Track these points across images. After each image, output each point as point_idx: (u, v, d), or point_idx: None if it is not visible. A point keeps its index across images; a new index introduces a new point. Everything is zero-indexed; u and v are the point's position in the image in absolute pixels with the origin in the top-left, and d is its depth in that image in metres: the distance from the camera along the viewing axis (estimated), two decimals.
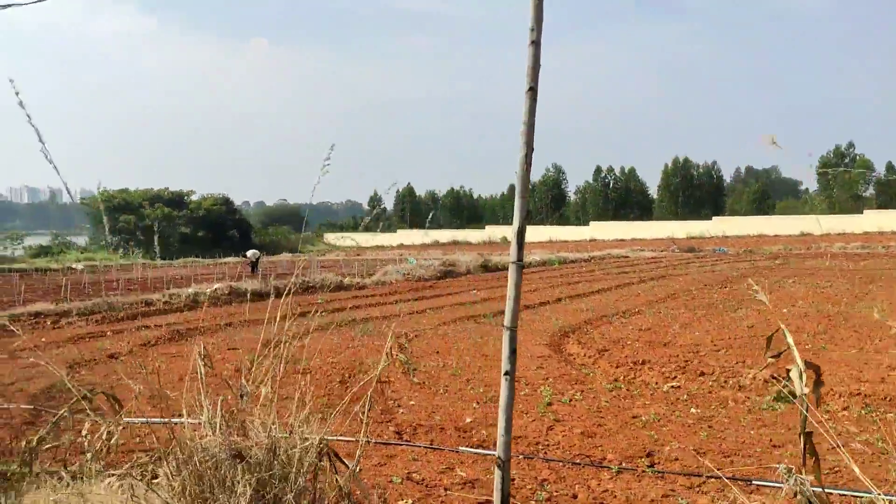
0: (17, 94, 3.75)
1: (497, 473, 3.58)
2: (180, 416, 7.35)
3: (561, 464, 5.59)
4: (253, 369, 4.88)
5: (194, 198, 75.41)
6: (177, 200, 73.36)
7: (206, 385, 4.60)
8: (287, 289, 15.86)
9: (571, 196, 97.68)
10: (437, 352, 11.33)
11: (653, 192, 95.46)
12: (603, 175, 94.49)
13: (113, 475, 5.16)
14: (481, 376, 9.33)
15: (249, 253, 34.87)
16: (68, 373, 10.14)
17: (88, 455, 5.42)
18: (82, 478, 5.16)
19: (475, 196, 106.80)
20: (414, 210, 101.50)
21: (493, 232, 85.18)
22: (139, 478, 5.08)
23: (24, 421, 7.38)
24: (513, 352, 3.62)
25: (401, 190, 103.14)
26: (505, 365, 3.56)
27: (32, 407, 8.03)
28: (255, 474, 3.89)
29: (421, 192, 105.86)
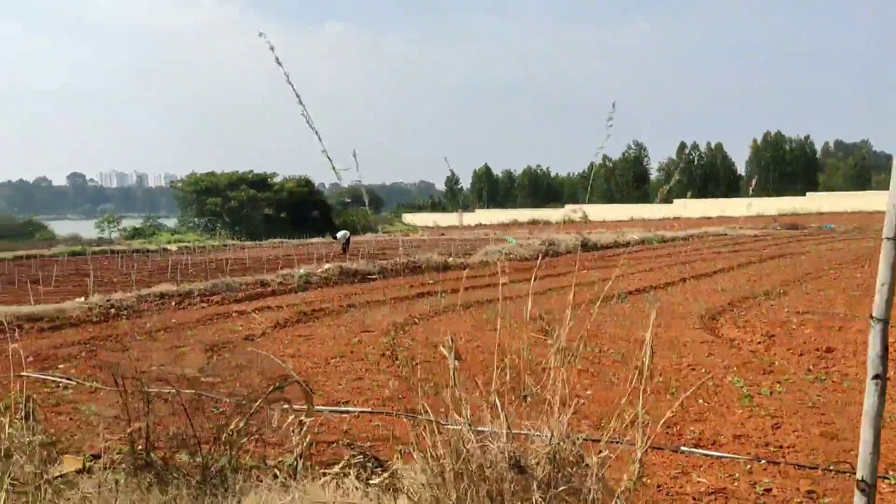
0: (298, 99, 3.23)
1: (859, 499, 2.90)
2: (338, 404, 6.85)
3: (847, 475, 4.77)
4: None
5: (277, 180, 76.50)
6: (260, 182, 74.56)
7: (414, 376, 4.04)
8: (395, 269, 15.34)
9: (654, 173, 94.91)
10: (581, 336, 10.67)
11: (740, 168, 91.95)
12: (687, 151, 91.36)
13: (326, 474, 4.73)
14: (649, 363, 8.62)
15: (339, 234, 34.92)
16: (209, 355, 9.95)
17: (295, 451, 5.03)
18: (289, 475, 4.75)
19: (552, 175, 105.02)
20: (491, 190, 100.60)
21: (572, 211, 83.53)
22: (356, 478, 4.63)
23: (193, 407, 7.09)
24: (884, 351, 2.89)
25: (477, 170, 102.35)
26: (875, 367, 2.85)
27: (194, 392, 7.75)
28: (539, 490, 3.29)
29: (497, 171, 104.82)
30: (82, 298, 13.98)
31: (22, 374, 9.09)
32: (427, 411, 3.84)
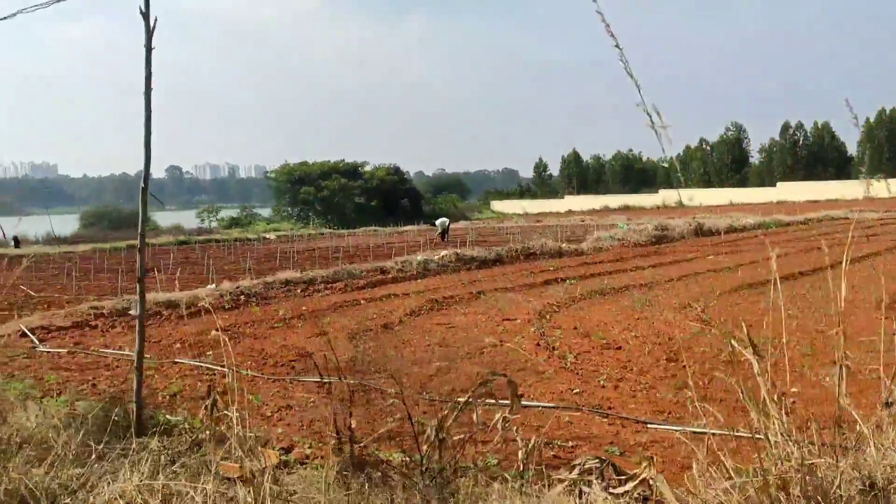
0: (615, 43, 2.65)
1: None
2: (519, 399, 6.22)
3: None
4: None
5: (367, 168, 77.16)
6: (352, 171, 75.35)
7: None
8: (511, 255, 14.40)
9: (755, 156, 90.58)
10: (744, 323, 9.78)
11: (851, 148, 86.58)
12: (791, 132, 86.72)
13: (561, 480, 4.18)
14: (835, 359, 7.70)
15: (439, 221, 34.63)
16: (354, 344, 9.61)
17: (520, 454, 4.50)
18: (518, 481, 4.22)
19: (644, 159, 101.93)
20: (580, 175, 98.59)
21: (668, 196, 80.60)
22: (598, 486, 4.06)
23: (364, 400, 6.70)
24: None
25: (566, 155, 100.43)
26: None
27: (357, 382, 7.37)
28: None
29: (586, 156, 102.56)
30: (213, 286, 14.01)
31: (177, 360, 9.01)
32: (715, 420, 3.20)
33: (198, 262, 26.32)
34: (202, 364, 8.45)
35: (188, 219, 76.73)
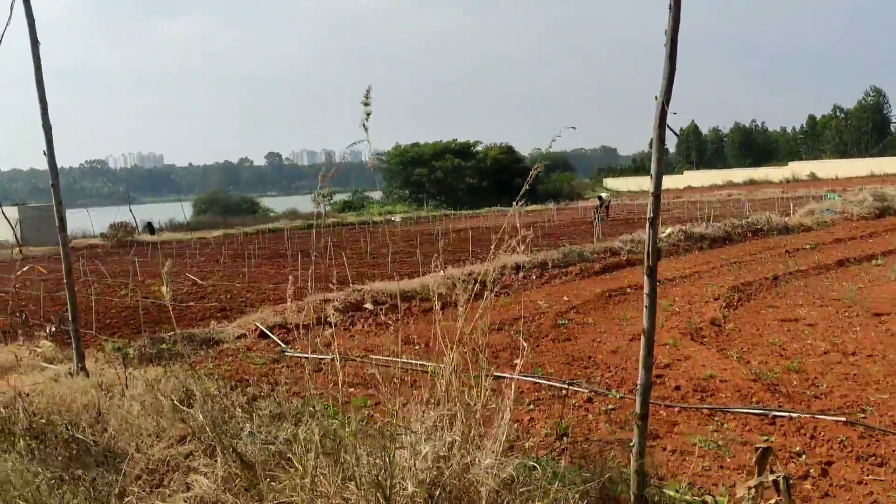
0: None
1: None
2: None
3: None
4: None
5: (479, 148, 74.91)
6: (463, 151, 73.28)
7: None
8: (738, 233, 10.40)
9: None
10: None
11: None
12: None
13: None
14: None
15: (603, 197, 31.85)
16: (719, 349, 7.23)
17: None
18: None
19: (768, 130, 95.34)
20: (698, 149, 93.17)
21: (799, 168, 74.61)
22: None
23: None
24: None
25: (683, 128, 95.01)
26: None
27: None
28: None
29: (703, 129, 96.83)
30: (441, 273, 11.93)
31: (498, 374, 6.85)
32: None
33: (347, 246, 24.60)
34: (525, 378, 6.26)
35: (295, 203, 76.51)
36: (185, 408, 5.63)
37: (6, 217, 13.15)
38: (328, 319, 9.13)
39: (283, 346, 8.50)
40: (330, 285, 10.82)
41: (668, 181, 77.93)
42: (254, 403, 5.65)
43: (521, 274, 12.25)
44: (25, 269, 10.81)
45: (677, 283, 11.12)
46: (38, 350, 8.27)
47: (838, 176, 64.65)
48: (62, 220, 7.06)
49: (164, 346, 8.26)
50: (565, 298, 10.34)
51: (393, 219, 49.10)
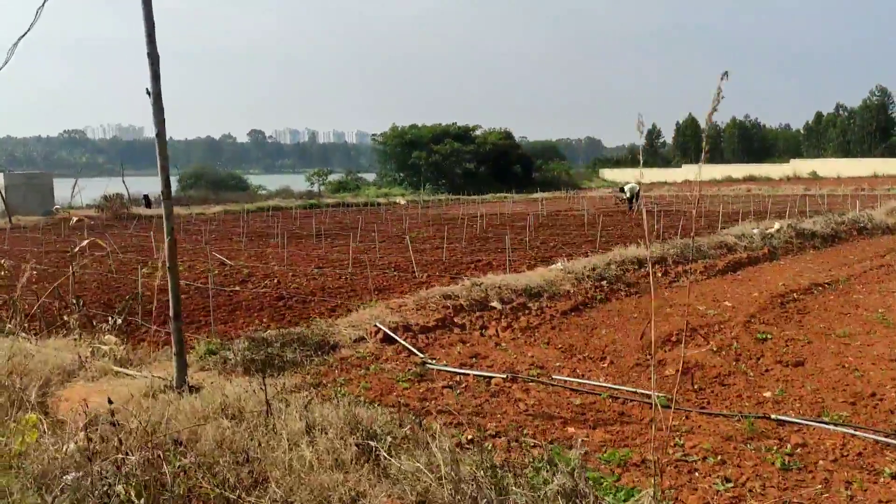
0: None
1: None
2: None
3: None
4: None
5: (478, 133, 72.89)
6: (463, 135, 71.18)
7: None
8: (845, 231, 7.94)
9: None
10: None
11: None
12: None
13: None
14: None
15: (627, 187, 30.12)
16: None
17: None
18: None
19: (766, 127, 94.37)
20: (695, 144, 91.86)
21: (801, 166, 73.63)
22: None
23: None
24: None
25: (681, 121, 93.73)
26: None
27: None
28: None
29: (701, 122, 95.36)
30: (559, 264, 10.04)
31: (779, 418, 4.97)
32: None
33: (370, 228, 22.57)
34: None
35: (278, 181, 73.81)
36: (394, 460, 3.76)
37: None
38: (455, 321, 7.22)
39: (421, 355, 6.58)
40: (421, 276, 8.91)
41: (668, 174, 76.63)
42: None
43: (643, 270, 10.39)
44: (86, 242, 8.71)
45: (852, 290, 9.35)
46: (104, 348, 6.28)
47: (840, 175, 63.70)
48: (167, 183, 5.11)
49: (269, 349, 6.31)
50: (727, 304, 8.53)
51: (398, 201, 47.04)
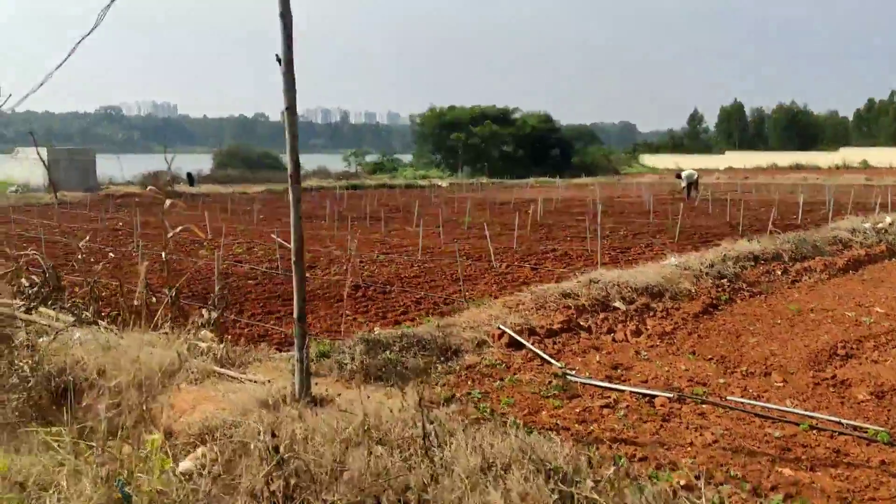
0: None
1: None
2: None
3: None
4: None
5: (517, 115, 71.51)
6: (502, 118, 69.89)
7: None
8: None
9: None
10: None
11: None
12: None
13: None
14: None
15: (685, 174, 28.88)
16: None
17: None
18: None
19: (812, 113, 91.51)
20: (740, 130, 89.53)
21: (850, 155, 71.05)
22: None
23: None
24: None
25: (726, 107, 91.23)
26: None
27: None
28: None
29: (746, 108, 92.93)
30: (671, 259, 9.11)
31: None
32: None
33: (412, 211, 21.66)
34: None
35: (311, 161, 72.90)
36: None
37: (42, 159, 10.53)
38: (580, 323, 6.34)
39: (558, 364, 5.73)
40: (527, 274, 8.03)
41: (709, 161, 74.48)
42: None
43: (760, 267, 9.42)
44: (179, 229, 7.97)
45: None
46: (202, 345, 5.53)
47: (893, 165, 61.40)
48: (296, 164, 4.34)
49: (387, 353, 5.51)
50: (878, 309, 7.54)
51: (440, 184, 46.15)
